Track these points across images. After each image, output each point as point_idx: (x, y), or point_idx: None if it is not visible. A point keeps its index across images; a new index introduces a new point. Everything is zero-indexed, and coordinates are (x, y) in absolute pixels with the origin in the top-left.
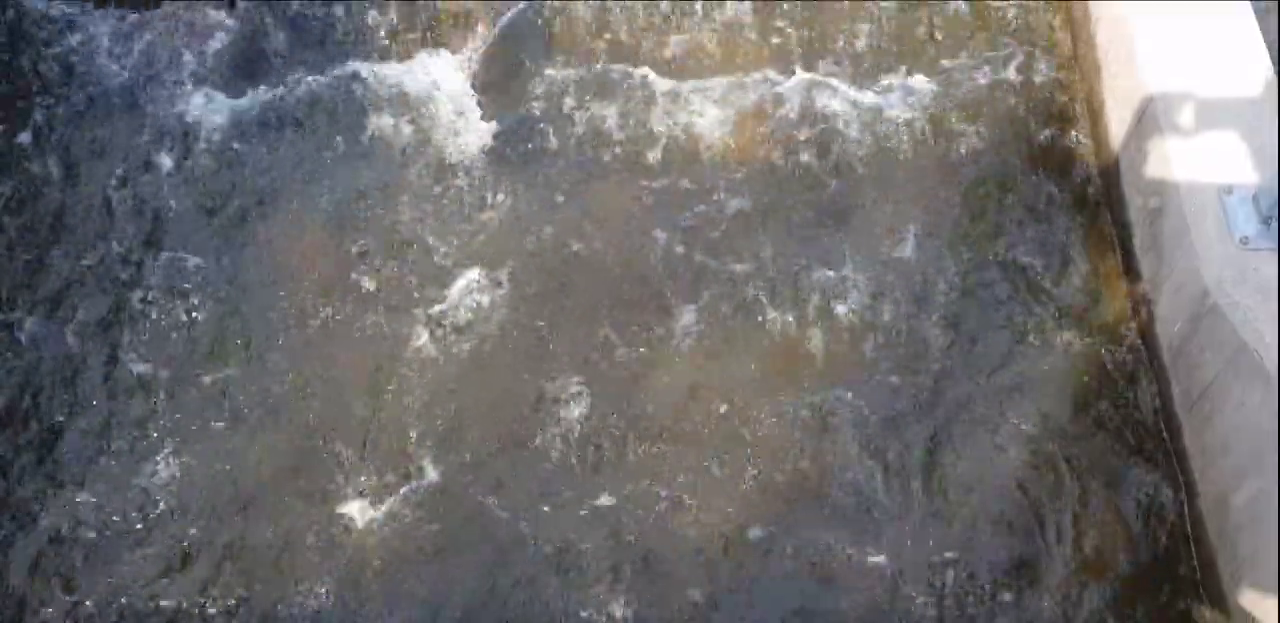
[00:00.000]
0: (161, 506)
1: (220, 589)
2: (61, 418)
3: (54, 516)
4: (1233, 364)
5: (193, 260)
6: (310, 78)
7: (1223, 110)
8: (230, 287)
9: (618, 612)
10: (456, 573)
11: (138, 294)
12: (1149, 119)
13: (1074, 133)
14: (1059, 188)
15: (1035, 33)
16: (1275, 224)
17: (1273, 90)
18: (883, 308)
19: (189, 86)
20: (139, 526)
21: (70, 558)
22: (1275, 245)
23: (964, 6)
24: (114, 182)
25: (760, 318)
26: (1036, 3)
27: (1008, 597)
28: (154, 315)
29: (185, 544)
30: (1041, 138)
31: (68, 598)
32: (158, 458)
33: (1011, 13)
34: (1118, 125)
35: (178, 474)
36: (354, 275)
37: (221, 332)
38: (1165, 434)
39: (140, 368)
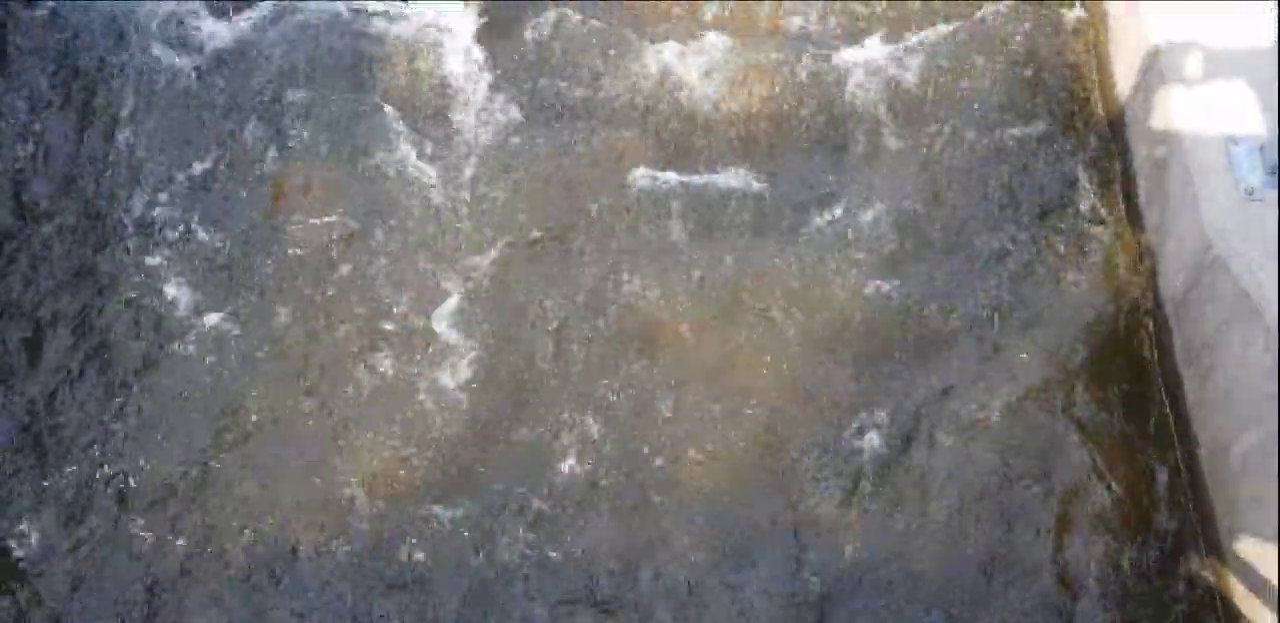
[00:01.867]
0: None
1: None
2: None
3: None
4: (1234, 316)
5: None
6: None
7: (1229, 61)
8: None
9: None
10: None
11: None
12: (1155, 69)
13: (1083, 81)
14: (1066, 137)
15: None
16: None
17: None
18: (891, 242)
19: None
20: None
21: None
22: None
23: None
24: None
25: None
26: None
27: (1006, 542)
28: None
29: None
30: (1050, 86)
31: None
32: None
33: None
34: (1124, 75)
35: None
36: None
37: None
38: (1166, 385)
39: None
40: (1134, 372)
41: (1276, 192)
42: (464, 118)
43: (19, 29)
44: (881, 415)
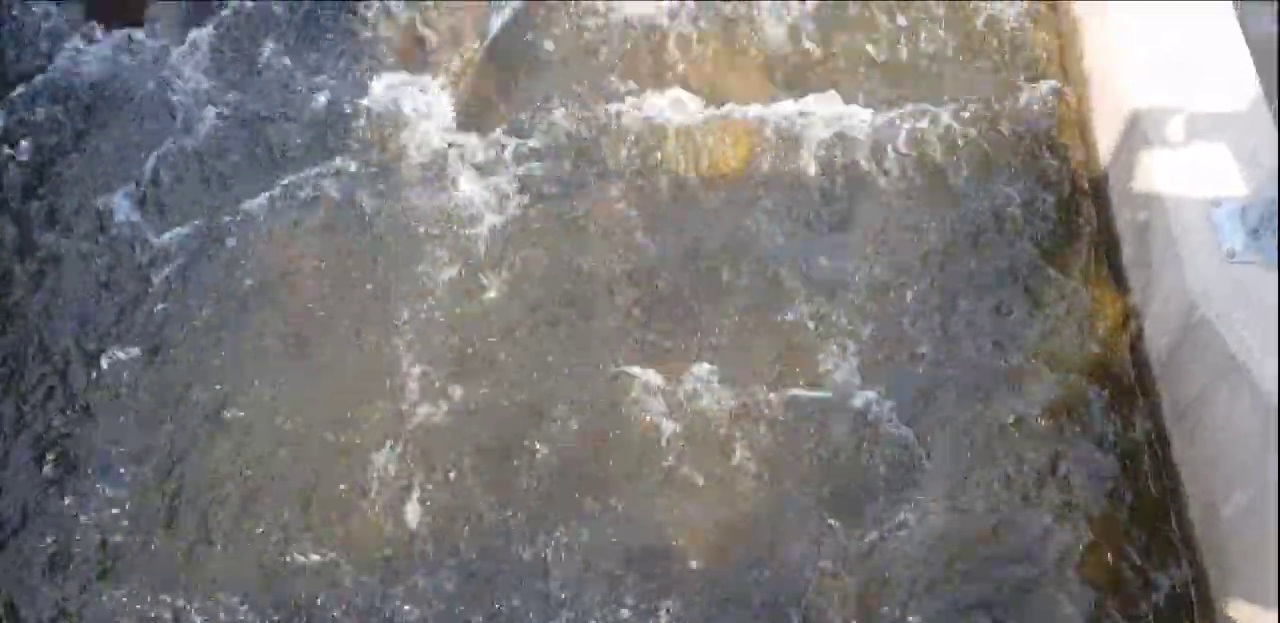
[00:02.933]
0: None
1: None
2: None
3: None
4: (1220, 376)
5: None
6: (293, 92)
7: (1209, 123)
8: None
9: None
10: None
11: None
12: (1136, 132)
13: (1063, 145)
14: (1048, 201)
15: (1022, 45)
16: (1262, 237)
17: (1260, 104)
18: (877, 304)
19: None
20: None
21: None
22: (1263, 258)
23: (950, 20)
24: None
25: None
26: (1023, 15)
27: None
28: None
29: None
30: (1030, 150)
31: None
32: None
33: (998, 26)
34: (1106, 137)
35: None
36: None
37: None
38: (1155, 445)
39: None
40: (1122, 433)
41: (1259, 253)
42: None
43: None
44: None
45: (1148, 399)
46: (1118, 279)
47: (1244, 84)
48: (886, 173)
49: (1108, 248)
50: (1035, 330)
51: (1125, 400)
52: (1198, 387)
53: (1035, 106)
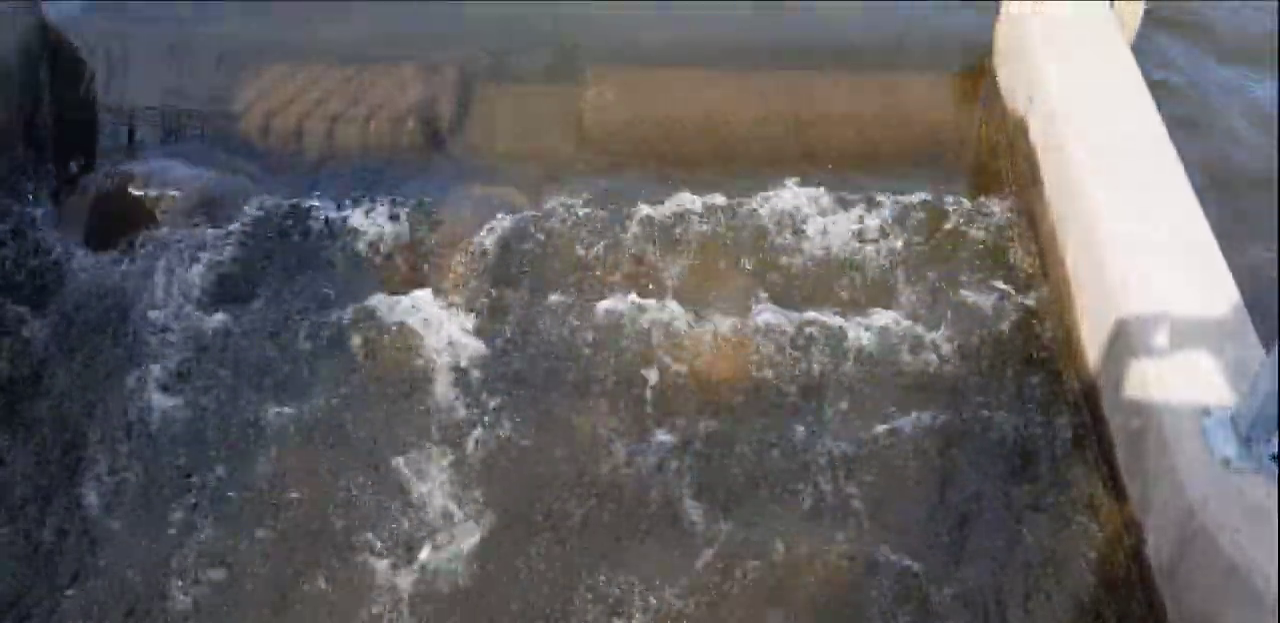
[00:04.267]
0: None
1: None
2: None
3: None
4: (1224, 587)
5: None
6: (292, 306)
7: (1195, 330)
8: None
9: None
10: None
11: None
12: (1122, 339)
13: (1050, 354)
14: (1038, 410)
15: (1002, 253)
16: (1255, 445)
17: (1240, 311)
18: (868, 522)
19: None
20: None
21: None
22: (1258, 467)
23: (928, 230)
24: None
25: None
26: (1001, 223)
27: None
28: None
29: None
30: (1017, 359)
31: None
32: None
33: (976, 235)
34: (1093, 345)
35: None
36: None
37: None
38: None
39: None
40: None
41: (1254, 462)
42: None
43: None
44: None
45: (1153, 611)
46: (1115, 488)
47: (1223, 291)
48: (874, 384)
49: (1102, 456)
50: (1035, 545)
51: (1131, 613)
52: (1202, 598)
53: (1018, 315)
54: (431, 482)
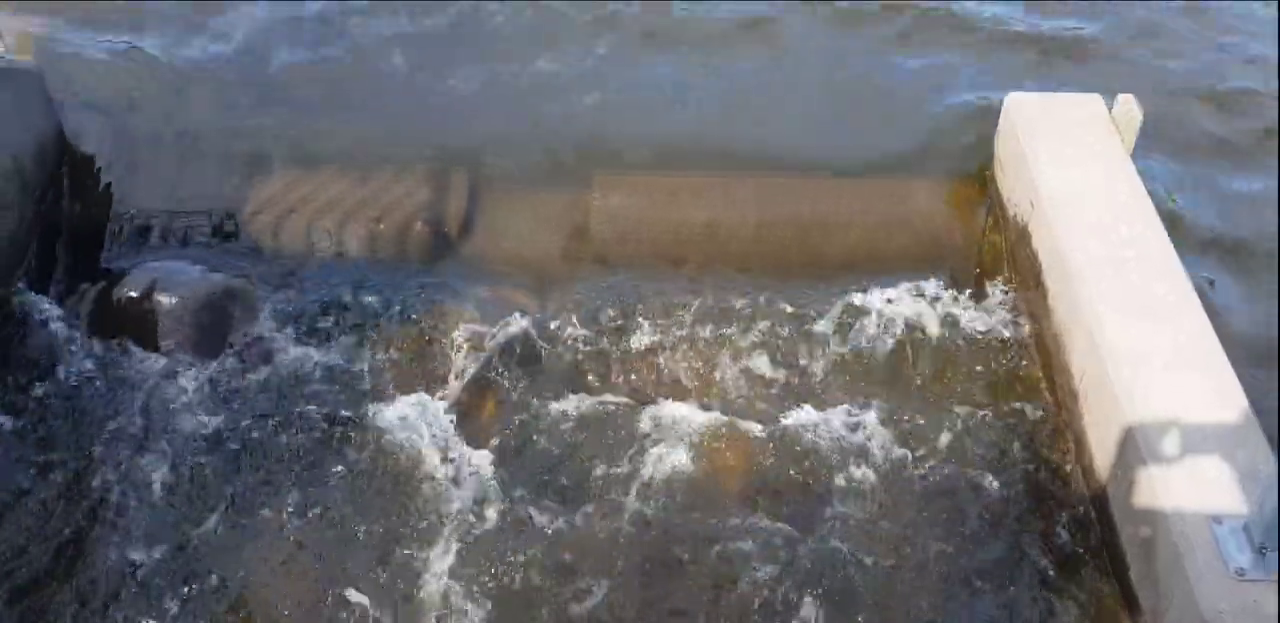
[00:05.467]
0: None
1: None
2: None
3: None
4: None
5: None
6: (292, 407)
7: (1203, 437)
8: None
9: None
10: None
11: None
12: (1131, 447)
13: (1058, 462)
14: (1048, 518)
15: (1006, 359)
16: (1270, 555)
17: (1249, 417)
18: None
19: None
20: None
21: None
22: (1272, 577)
23: (931, 335)
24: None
25: None
26: (1006, 330)
27: None
28: None
29: None
30: (1025, 468)
31: None
32: None
33: (980, 341)
34: (1101, 453)
35: None
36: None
37: None
38: None
39: None
40: None
41: (1268, 572)
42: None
43: None
44: None
45: None
46: (1127, 597)
47: (1231, 397)
48: (874, 492)
49: (1114, 565)
50: None
51: None
52: None
53: (1023, 422)
54: (428, 586)
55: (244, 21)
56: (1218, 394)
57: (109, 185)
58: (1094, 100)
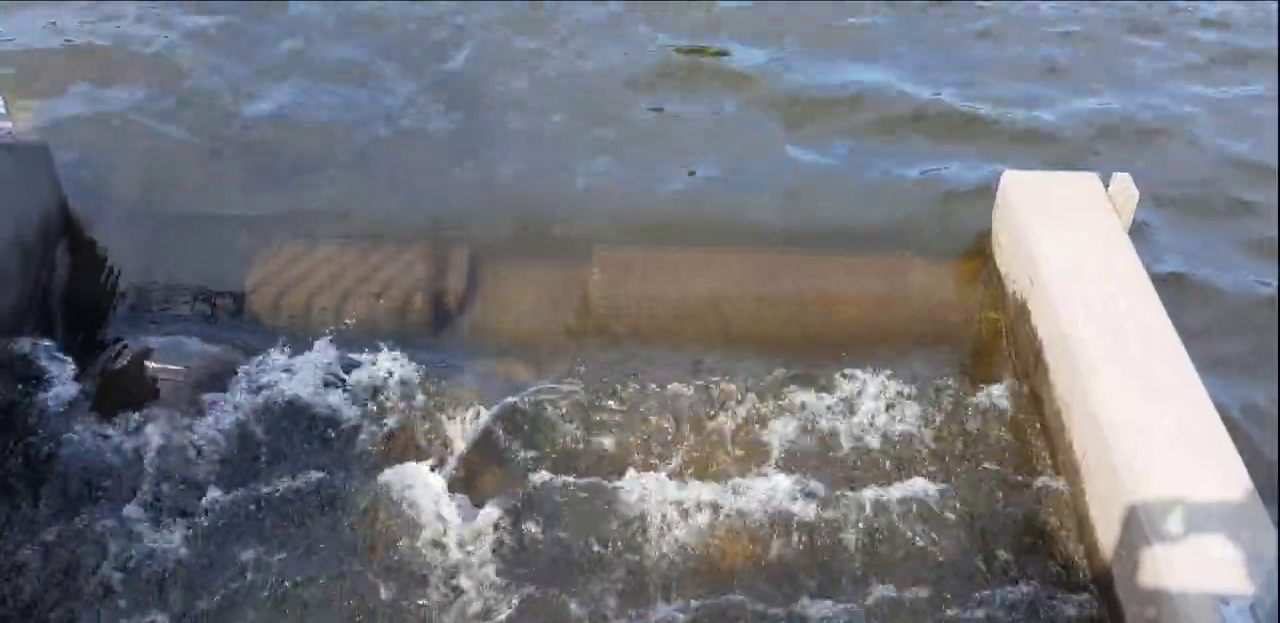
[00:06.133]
0: None
1: None
2: None
3: None
4: None
5: None
6: (291, 479)
7: (1208, 516)
8: None
9: None
10: None
11: None
12: (1135, 525)
13: (1062, 540)
14: (1053, 596)
15: (1008, 436)
16: None
17: (1253, 497)
18: None
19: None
20: None
21: None
22: None
23: (932, 412)
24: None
25: None
26: (1006, 406)
27: None
28: None
29: None
30: (1029, 546)
31: None
32: None
33: (981, 418)
34: (1105, 532)
35: None
36: None
37: None
38: None
39: None
40: None
41: None
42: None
43: None
44: None
45: None
46: None
47: (1234, 476)
48: (879, 568)
49: None
50: None
51: None
52: None
53: (1026, 499)
54: None
55: (248, 99)
56: (1221, 472)
57: (109, 258)
58: (1090, 178)
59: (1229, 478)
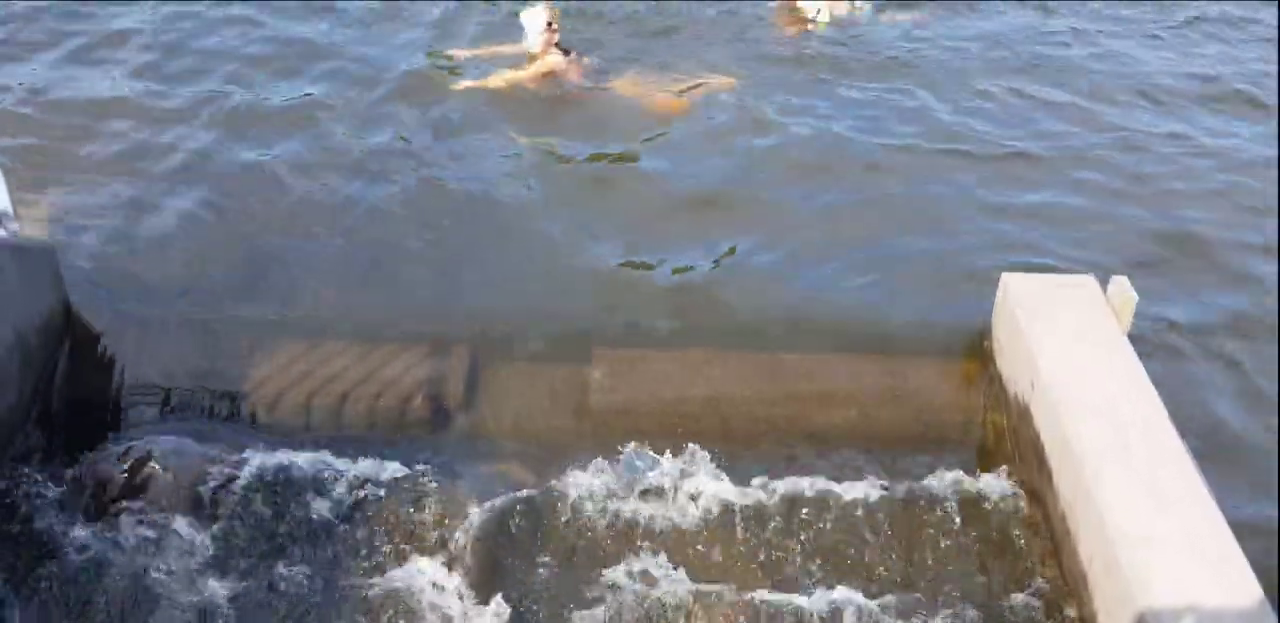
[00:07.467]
0: None
1: None
2: None
3: None
4: None
5: None
6: (289, 580)
7: (1214, 618)
8: None
9: None
10: None
11: None
12: None
13: None
14: None
15: (1010, 540)
16: None
17: (1265, 605)
18: None
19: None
20: None
21: None
22: None
23: (932, 515)
24: None
25: None
26: (1009, 508)
27: None
28: None
29: None
30: None
31: None
32: None
33: (983, 521)
34: None
35: None
36: None
37: None
38: None
39: None
40: None
41: None
42: None
43: None
44: None
45: None
46: None
47: (1243, 584)
48: None
49: None
50: None
51: None
52: None
53: (1030, 606)
54: None
55: (253, 199)
56: (1230, 581)
57: (111, 360)
58: (1089, 281)
59: (1239, 588)
